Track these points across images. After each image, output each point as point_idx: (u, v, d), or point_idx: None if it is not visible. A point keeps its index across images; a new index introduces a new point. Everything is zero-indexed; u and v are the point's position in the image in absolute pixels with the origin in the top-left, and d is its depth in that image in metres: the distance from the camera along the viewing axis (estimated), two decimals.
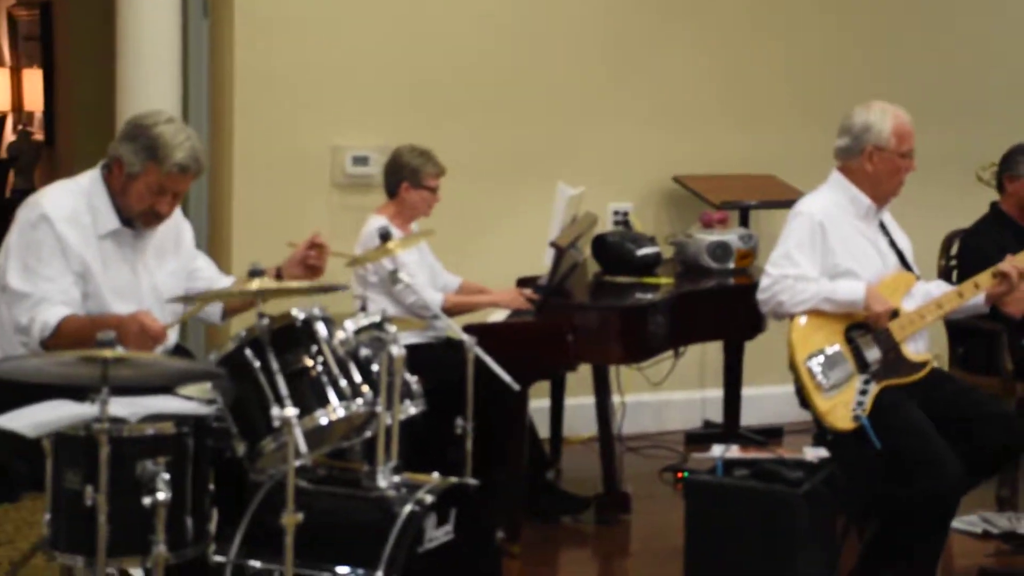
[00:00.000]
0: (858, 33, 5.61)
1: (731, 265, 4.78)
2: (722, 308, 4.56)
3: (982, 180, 4.82)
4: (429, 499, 2.85)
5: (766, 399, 5.18)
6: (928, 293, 3.72)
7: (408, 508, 2.81)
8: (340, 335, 2.95)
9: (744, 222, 5.20)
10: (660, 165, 5.34)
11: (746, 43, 5.48)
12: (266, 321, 2.82)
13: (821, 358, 3.56)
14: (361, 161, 4.86)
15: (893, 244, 3.75)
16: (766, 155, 5.35)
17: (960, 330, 4.54)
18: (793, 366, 3.58)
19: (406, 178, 4.26)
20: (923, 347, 3.67)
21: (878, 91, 4.79)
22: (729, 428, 5.03)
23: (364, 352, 2.99)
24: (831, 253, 3.62)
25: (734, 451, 3.58)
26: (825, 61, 5.54)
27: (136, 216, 3.11)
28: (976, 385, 3.94)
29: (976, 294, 3.64)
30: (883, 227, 3.77)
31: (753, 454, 3.58)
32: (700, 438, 5.12)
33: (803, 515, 3.34)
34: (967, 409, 3.62)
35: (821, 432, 3.70)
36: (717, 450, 3.56)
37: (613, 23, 5.28)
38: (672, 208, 5.39)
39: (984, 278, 3.63)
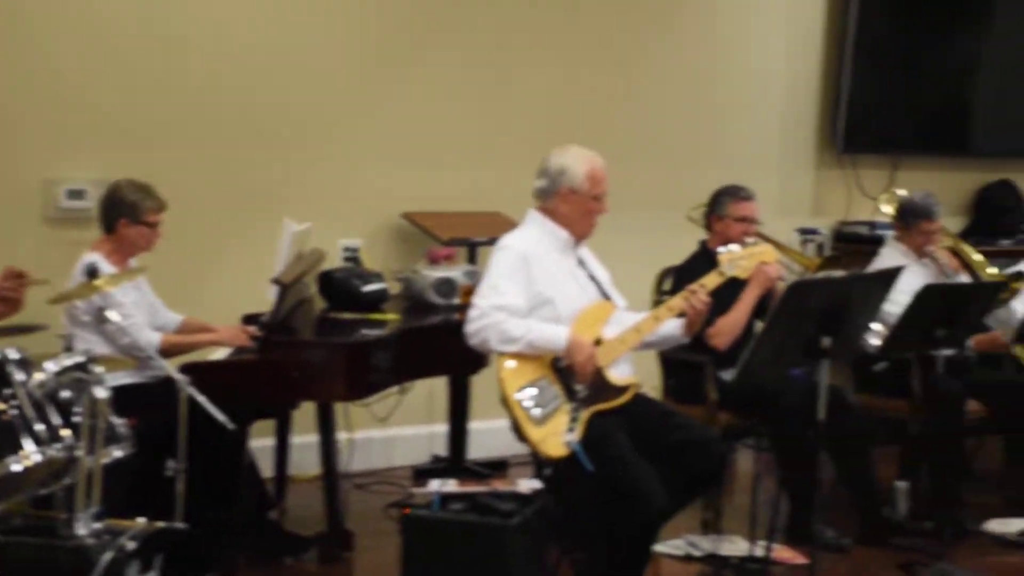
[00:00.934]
0: (581, 81, 5.83)
1: (456, 301, 4.87)
2: (447, 343, 4.60)
3: (692, 220, 5.09)
4: (131, 545, 2.77)
5: (493, 432, 5.26)
6: (628, 321, 3.88)
7: (108, 556, 2.73)
8: (38, 377, 2.83)
9: (472, 259, 5.31)
10: (390, 201, 5.38)
11: (476, 83, 5.61)
12: None
13: (531, 390, 3.67)
14: (77, 195, 4.68)
15: (592, 276, 3.91)
16: (493, 193, 5.48)
17: (670, 362, 4.79)
18: (505, 400, 3.68)
19: (124, 214, 4.14)
20: (627, 372, 3.82)
21: (598, 135, 5.03)
22: (455, 462, 5.10)
23: (65, 394, 2.89)
24: (534, 283, 3.75)
25: (452, 485, 3.64)
26: (549, 105, 5.74)
27: None
28: (679, 411, 4.13)
29: (670, 316, 3.81)
30: (581, 261, 3.93)
31: (470, 488, 3.65)
32: (428, 473, 5.16)
33: (516, 546, 3.42)
34: (673, 433, 3.77)
35: (540, 464, 3.81)
36: (435, 485, 3.61)
37: (343, 58, 5.31)
38: (402, 244, 5.45)
39: (676, 301, 3.82)
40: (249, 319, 4.49)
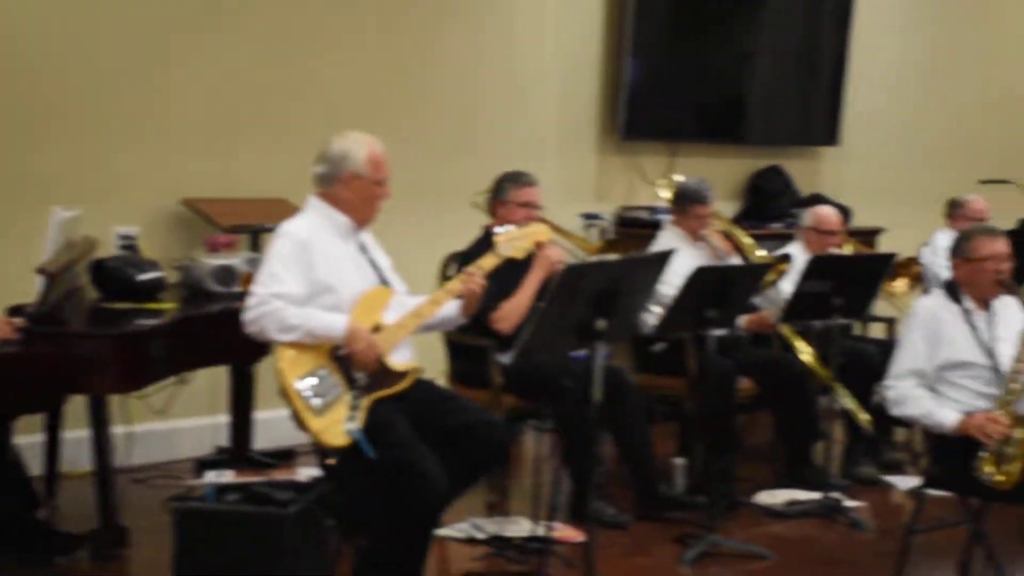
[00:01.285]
0: (365, 66, 5.80)
1: (237, 289, 4.77)
2: (227, 332, 4.49)
3: (476, 206, 5.14)
4: None
5: (280, 422, 5.18)
6: (408, 305, 3.88)
7: None
8: None
9: (255, 246, 5.21)
10: (169, 188, 5.24)
11: (258, 67, 5.51)
12: None
13: (311, 380, 3.62)
14: None
15: (373, 262, 3.90)
16: (277, 179, 5.40)
17: (455, 347, 4.82)
18: (284, 391, 3.62)
19: None
20: (408, 357, 3.81)
21: (383, 121, 5.05)
22: (239, 453, 5.01)
23: None
24: (314, 270, 3.71)
25: (228, 476, 3.57)
26: (332, 91, 5.68)
27: None
28: (460, 394, 4.17)
29: (450, 299, 3.83)
30: (363, 247, 3.91)
31: (247, 478, 3.59)
32: (211, 465, 5.05)
33: (293, 535, 3.39)
34: (454, 416, 3.79)
35: (322, 453, 3.77)
36: (210, 476, 3.54)
37: (117, 37, 5.13)
38: (183, 232, 5.30)
39: (454, 284, 3.83)
40: (14, 311, 4.29)
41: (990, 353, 3.97)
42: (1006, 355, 3.93)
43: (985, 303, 4.08)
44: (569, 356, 4.52)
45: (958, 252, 4.11)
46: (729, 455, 5.01)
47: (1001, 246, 4.05)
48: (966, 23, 8.08)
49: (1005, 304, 4.11)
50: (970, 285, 4.07)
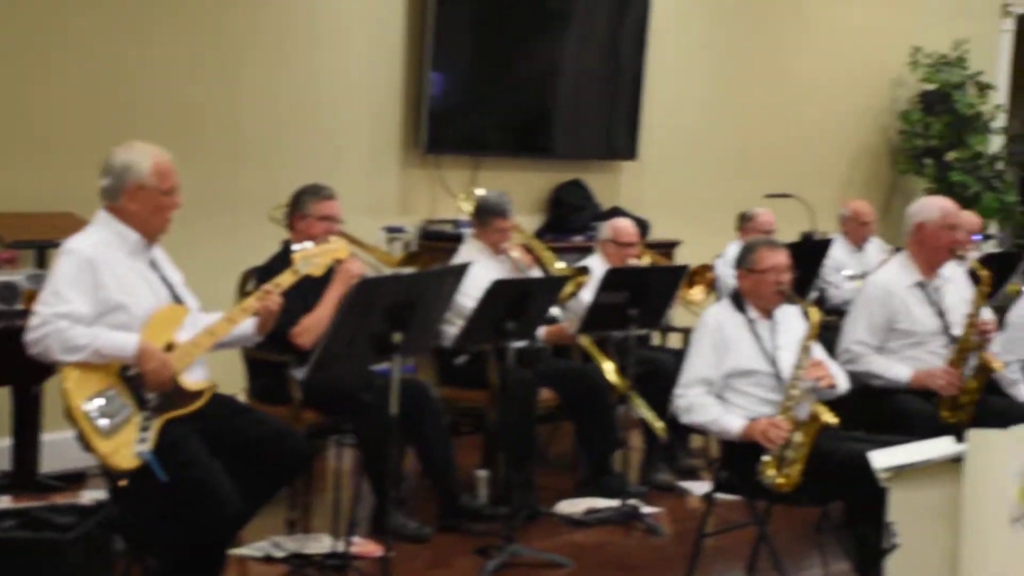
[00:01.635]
0: (166, 76, 5.64)
1: (19, 306, 4.56)
2: (8, 352, 4.31)
3: (274, 220, 5.06)
4: None
5: (70, 443, 5.00)
6: (202, 323, 3.79)
7: None
8: None
9: (41, 262, 5.00)
10: None
11: (47, 77, 5.30)
12: None
13: (99, 401, 3.51)
14: None
15: (165, 279, 3.80)
16: (65, 193, 5.19)
17: (255, 363, 4.73)
18: (69, 413, 3.49)
19: None
20: (202, 375, 3.74)
21: (178, 132, 4.90)
22: (24, 477, 4.78)
23: None
24: (103, 288, 3.60)
25: (4, 502, 3.42)
26: (132, 101, 5.51)
27: None
28: (254, 407, 4.10)
29: (245, 317, 3.77)
30: (154, 263, 3.81)
31: (26, 503, 3.45)
32: None
33: (74, 560, 3.28)
34: (249, 430, 3.76)
35: (111, 476, 3.64)
36: None
37: None
38: None
39: (250, 302, 3.78)
40: None
41: (772, 361, 4.14)
42: (787, 363, 4.11)
43: (768, 313, 4.25)
44: (371, 370, 4.50)
45: (742, 264, 4.28)
46: (530, 465, 5.07)
47: (782, 258, 4.24)
48: (755, 42, 8.40)
49: (787, 314, 4.30)
50: (754, 295, 4.24)
